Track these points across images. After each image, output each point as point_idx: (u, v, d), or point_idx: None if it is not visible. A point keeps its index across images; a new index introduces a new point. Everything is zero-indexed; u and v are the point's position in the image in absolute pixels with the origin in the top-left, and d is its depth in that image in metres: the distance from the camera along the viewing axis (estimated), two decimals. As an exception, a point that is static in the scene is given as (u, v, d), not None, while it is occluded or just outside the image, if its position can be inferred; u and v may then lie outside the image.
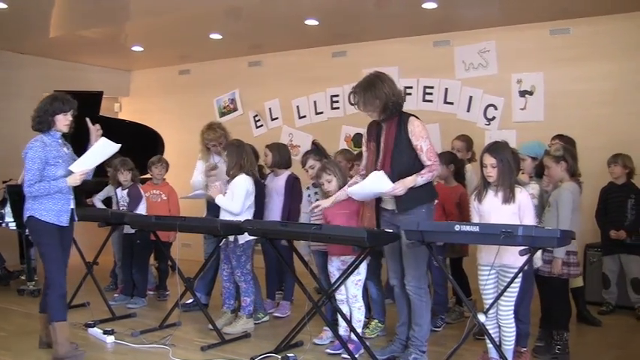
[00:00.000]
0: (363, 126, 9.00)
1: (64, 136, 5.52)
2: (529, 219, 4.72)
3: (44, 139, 5.30)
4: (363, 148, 5.45)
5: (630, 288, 6.96)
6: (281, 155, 6.94)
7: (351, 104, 5.32)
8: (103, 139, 5.45)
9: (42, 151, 5.22)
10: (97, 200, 8.14)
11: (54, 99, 5.34)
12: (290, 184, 6.78)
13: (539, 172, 5.72)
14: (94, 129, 5.56)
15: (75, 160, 5.41)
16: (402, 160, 5.09)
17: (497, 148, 4.89)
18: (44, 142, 5.28)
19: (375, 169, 5.12)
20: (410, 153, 5.10)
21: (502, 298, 4.77)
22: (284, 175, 6.88)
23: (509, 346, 4.89)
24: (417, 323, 5.28)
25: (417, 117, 5.21)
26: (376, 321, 6.26)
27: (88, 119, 5.57)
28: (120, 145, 5.50)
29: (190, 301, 7.02)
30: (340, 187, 5.57)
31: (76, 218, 5.60)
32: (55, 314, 5.35)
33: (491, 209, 4.84)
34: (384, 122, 5.21)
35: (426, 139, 5.11)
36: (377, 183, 5.01)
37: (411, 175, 5.01)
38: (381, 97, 5.05)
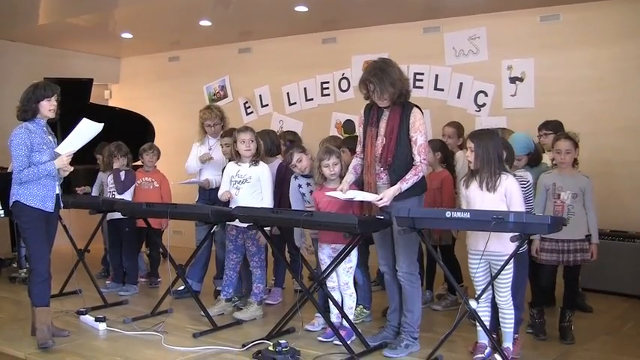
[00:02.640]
0: (353, 112, 9.13)
1: (52, 125, 5.54)
2: (516, 205, 4.72)
3: (28, 126, 5.35)
4: (360, 130, 5.43)
5: None
6: (272, 142, 6.90)
7: (363, 93, 5.23)
8: (85, 119, 5.46)
9: (27, 137, 5.28)
10: (95, 189, 8.16)
11: (36, 87, 5.41)
12: (282, 172, 6.76)
13: (533, 162, 5.80)
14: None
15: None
16: (403, 150, 5.12)
17: (478, 135, 4.94)
18: (28, 129, 5.33)
19: (376, 157, 5.17)
20: (409, 144, 5.12)
21: (498, 283, 4.83)
22: (275, 162, 6.83)
23: (509, 329, 4.94)
24: (408, 309, 5.30)
25: (419, 108, 5.22)
26: (361, 307, 6.27)
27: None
28: (103, 124, 5.52)
29: (182, 288, 7.03)
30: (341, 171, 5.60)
31: (62, 205, 5.63)
32: (36, 300, 5.45)
33: (476, 195, 4.88)
34: (387, 108, 5.21)
35: (423, 134, 5.13)
36: (364, 196, 5.14)
37: (407, 167, 5.08)
38: (396, 85, 5.05)
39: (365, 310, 6.29)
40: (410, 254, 5.22)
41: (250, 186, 6.27)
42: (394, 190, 5.01)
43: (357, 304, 6.10)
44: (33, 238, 5.40)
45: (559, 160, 5.58)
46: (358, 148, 5.46)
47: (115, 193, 7.55)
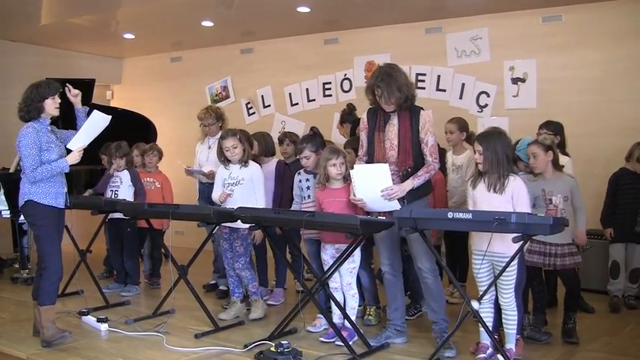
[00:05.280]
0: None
1: (53, 123, 5.56)
2: (523, 207, 4.73)
3: (34, 126, 5.35)
4: (363, 135, 5.45)
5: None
6: (267, 144, 7.01)
7: (369, 98, 5.30)
8: (96, 111, 5.51)
9: (35, 136, 5.29)
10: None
11: (37, 86, 5.40)
12: (280, 170, 6.78)
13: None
14: (73, 94, 5.58)
15: (63, 145, 5.50)
16: (417, 153, 5.22)
17: (485, 136, 4.94)
18: (35, 129, 5.33)
19: (390, 161, 5.21)
20: (420, 146, 5.23)
21: (501, 284, 4.83)
22: (272, 161, 6.89)
23: (512, 330, 4.95)
24: (438, 305, 5.34)
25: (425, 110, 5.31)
26: (374, 307, 6.28)
27: (68, 85, 5.59)
28: (110, 117, 5.57)
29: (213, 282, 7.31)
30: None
31: (69, 203, 5.63)
32: (45, 298, 5.42)
33: (483, 196, 4.89)
34: (393, 113, 5.26)
35: (433, 134, 5.25)
36: (379, 174, 5.10)
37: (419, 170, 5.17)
38: (402, 89, 5.12)
39: (378, 310, 6.30)
40: (427, 250, 5.18)
41: (243, 187, 6.28)
42: (408, 184, 5.10)
43: (368, 305, 6.16)
44: (47, 236, 5.40)
45: (530, 164, 5.62)
46: (360, 152, 5.50)
47: (117, 192, 7.52)
